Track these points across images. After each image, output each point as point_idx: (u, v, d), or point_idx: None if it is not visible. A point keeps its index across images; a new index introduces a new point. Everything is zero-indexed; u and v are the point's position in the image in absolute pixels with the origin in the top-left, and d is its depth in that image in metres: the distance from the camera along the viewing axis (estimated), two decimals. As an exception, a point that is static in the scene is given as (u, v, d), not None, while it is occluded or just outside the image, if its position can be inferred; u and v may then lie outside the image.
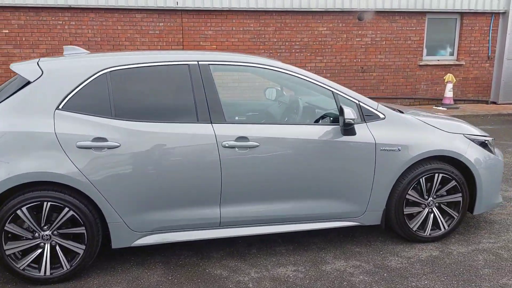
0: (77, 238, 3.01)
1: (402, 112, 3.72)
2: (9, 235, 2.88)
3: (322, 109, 3.60)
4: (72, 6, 9.45)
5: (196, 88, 3.16)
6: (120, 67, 3.10)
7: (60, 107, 2.95)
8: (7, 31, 9.41)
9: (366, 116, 3.43)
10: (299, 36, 10.69)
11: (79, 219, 2.94)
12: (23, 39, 9.51)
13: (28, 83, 2.97)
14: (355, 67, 11.12)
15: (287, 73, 3.39)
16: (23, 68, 3.04)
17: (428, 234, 3.61)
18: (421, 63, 11.35)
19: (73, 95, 2.99)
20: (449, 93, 10.95)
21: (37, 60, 3.12)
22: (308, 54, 10.79)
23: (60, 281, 2.99)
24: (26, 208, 2.84)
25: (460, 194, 3.61)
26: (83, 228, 2.96)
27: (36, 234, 2.91)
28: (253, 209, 3.26)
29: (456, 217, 3.65)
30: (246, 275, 3.12)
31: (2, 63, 9.53)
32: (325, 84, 3.42)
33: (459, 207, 3.64)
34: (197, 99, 3.14)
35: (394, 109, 3.76)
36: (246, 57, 3.52)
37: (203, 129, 3.10)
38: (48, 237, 2.94)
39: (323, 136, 3.28)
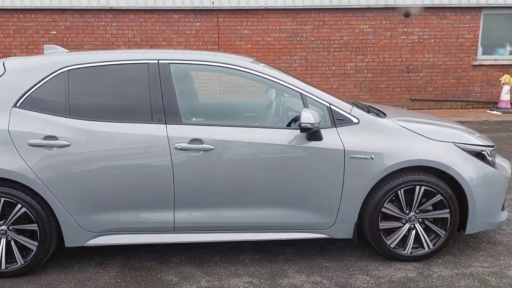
0: (32, 234, 3.05)
1: (385, 116, 3.38)
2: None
3: (297, 112, 3.36)
4: (113, 8, 9.82)
5: (153, 88, 3.08)
6: (79, 66, 3.10)
7: (18, 105, 3.01)
8: (55, 32, 10.00)
9: (337, 120, 3.15)
10: (338, 35, 10.29)
11: (31, 216, 2.98)
12: (69, 40, 10.05)
13: (-10, 80, 3.07)
14: (400, 67, 10.50)
15: (252, 74, 3.20)
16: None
17: (408, 253, 3.25)
18: (475, 63, 10.46)
19: (31, 93, 3.03)
20: (505, 96, 10.00)
21: (4, 59, 3.21)
22: (348, 53, 10.36)
23: (14, 275, 3.06)
24: (-19, 203, 2.93)
25: (447, 210, 3.20)
26: (36, 225, 3.00)
27: (-8, 228, 3.00)
28: (210, 215, 3.12)
29: (442, 235, 3.25)
30: (196, 283, 2.99)
31: (50, 62, 10.13)
32: (293, 86, 3.18)
33: (447, 225, 3.23)
34: (153, 99, 3.06)
35: (377, 112, 3.44)
36: (215, 56, 3.39)
37: (156, 130, 3.01)
38: (4, 231, 3.01)
39: (286, 141, 3.06)
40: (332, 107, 3.16)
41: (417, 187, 3.15)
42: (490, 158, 3.30)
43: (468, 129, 3.62)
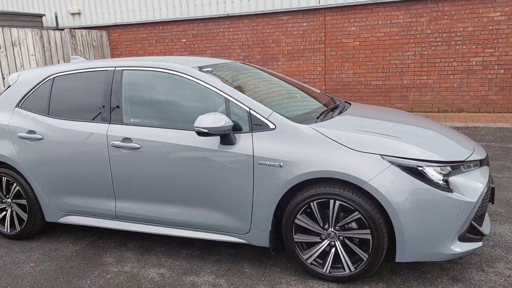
0: (24, 208, 3.87)
1: (315, 121, 3.12)
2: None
3: (237, 116, 3.36)
4: (230, 15, 10.69)
5: (106, 91, 3.54)
6: (61, 74, 3.78)
7: (19, 105, 3.86)
8: (185, 40, 11.42)
9: (254, 125, 3.07)
10: (461, 25, 9.03)
11: (23, 194, 3.80)
12: (195, 46, 11.35)
13: (9, 86, 3.99)
14: (544, 60, 8.63)
15: (184, 78, 3.35)
16: (11, 76, 4.07)
17: (327, 272, 2.96)
18: None
19: (28, 96, 3.85)
20: None
21: (21, 71, 4.12)
22: (473, 46, 8.99)
23: (14, 238, 3.93)
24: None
25: (368, 231, 2.80)
26: (25, 201, 3.80)
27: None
28: (143, 208, 3.43)
29: (365, 258, 2.85)
30: (122, 267, 3.35)
31: (181, 66, 11.62)
32: (220, 91, 3.21)
33: (369, 247, 2.83)
34: (104, 101, 3.53)
35: (315, 118, 3.19)
36: (161, 62, 3.53)
37: (100, 128, 3.47)
38: (9, 203, 3.91)
39: (202, 144, 3.15)
40: (251, 111, 3.10)
41: (331, 201, 2.85)
42: (433, 176, 2.74)
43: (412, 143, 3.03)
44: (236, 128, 3.10)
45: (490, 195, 3.10)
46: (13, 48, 9.52)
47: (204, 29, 11.11)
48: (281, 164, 2.92)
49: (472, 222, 2.91)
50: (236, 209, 3.12)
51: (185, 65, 3.42)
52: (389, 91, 9.82)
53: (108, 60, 3.76)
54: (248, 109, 3.11)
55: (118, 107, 3.47)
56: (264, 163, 2.97)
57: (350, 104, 4.01)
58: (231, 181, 3.08)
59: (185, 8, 11.08)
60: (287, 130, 3.00)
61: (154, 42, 11.76)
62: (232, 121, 3.05)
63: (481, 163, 3.09)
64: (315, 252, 2.98)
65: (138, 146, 3.31)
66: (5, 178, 3.85)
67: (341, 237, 2.91)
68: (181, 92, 3.37)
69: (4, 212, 3.95)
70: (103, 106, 3.50)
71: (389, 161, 2.76)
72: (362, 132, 2.97)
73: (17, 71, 9.65)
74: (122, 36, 12.05)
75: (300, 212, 2.95)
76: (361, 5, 9.58)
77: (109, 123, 3.47)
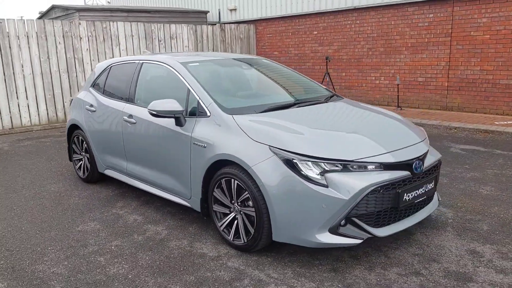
0: (89, 160, 5.37)
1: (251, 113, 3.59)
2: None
3: (192, 103, 3.88)
4: (357, 7, 10.79)
5: (133, 78, 4.67)
6: (115, 63, 5.09)
7: (92, 86, 5.35)
8: (316, 32, 11.99)
9: (199, 112, 3.75)
10: None
11: (88, 150, 5.29)
12: (324, 38, 11.81)
13: (94, 73, 5.53)
14: None
15: (170, 70, 4.20)
16: (96, 65, 5.59)
17: (231, 240, 3.47)
18: None
19: (96, 79, 5.29)
20: None
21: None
22: None
23: (86, 181, 5.50)
24: (76, 138, 5.49)
25: (253, 209, 3.23)
26: (88, 155, 5.30)
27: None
28: (138, 169, 4.47)
29: (252, 232, 3.29)
30: (119, 210, 4.47)
31: (311, 57, 12.27)
32: (186, 81, 3.97)
33: (254, 223, 3.25)
34: (131, 85, 4.66)
35: (262, 111, 3.65)
36: (163, 56, 4.47)
37: (121, 106, 4.63)
38: (83, 156, 5.49)
39: (166, 123, 3.96)
40: (199, 101, 3.79)
41: (232, 180, 3.36)
42: (304, 170, 2.99)
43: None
44: (192, 113, 3.83)
45: (399, 199, 3.10)
46: (170, 40, 11.75)
47: (333, 22, 11.46)
48: (205, 145, 3.56)
49: (354, 219, 3.03)
50: (182, 178, 3.88)
51: (175, 60, 4.27)
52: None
53: (142, 55, 4.89)
54: (198, 98, 3.81)
55: (134, 90, 4.58)
56: (196, 143, 3.65)
57: (340, 101, 4.27)
58: (178, 154, 3.85)
59: (317, 2, 11.61)
60: (216, 118, 3.60)
61: (290, 34, 12.67)
62: (192, 107, 3.77)
63: (396, 166, 3.15)
64: (225, 221, 3.53)
65: (134, 121, 4.35)
66: (80, 138, 5.42)
67: (241, 212, 3.39)
68: (167, 81, 4.24)
69: (81, 162, 5.54)
70: (130, 89, 4.64)
71: (273, 152, 3.12)
72: (270, 125, 3.35)
73: (171, 59, 11.87)
74: (266, 29, 13.31)
75: (216, 187, 3.53)
76: (495, -7, 8.53)
77: (127, 102, 4.60)
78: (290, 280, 2.99)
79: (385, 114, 3.99)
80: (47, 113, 9.78)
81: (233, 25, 13.11)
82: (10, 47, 9.12)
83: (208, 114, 3.66)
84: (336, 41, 11.51)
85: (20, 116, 9.44)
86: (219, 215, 3.60)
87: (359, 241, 3.04)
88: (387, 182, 3.06)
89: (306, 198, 2.97)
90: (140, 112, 4.32)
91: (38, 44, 9.45)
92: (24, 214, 4.40)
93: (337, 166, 3.02)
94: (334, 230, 3.01)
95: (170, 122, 3.91)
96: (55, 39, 9.69)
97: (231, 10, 14.09)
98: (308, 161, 3.01)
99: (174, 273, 3.13)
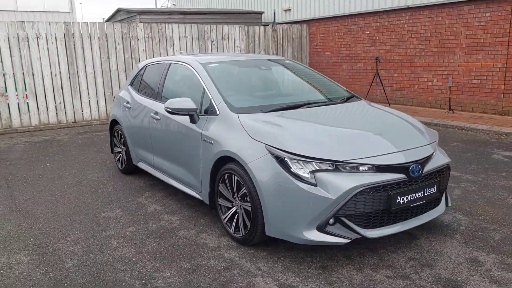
0: (125, 152, 5.80)
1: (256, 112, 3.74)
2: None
3: (207, 101, 4.12)
4: (410, 6, 10.48)
5: (162, 77, 5.00)
6: (150, 63, 5.46)
7: (130, 84, 5.77)
8: (368, 32, 11.79)
9: (210, 110, 3.96)
10: None
11: (124, 144, 5.72)
12: (376, 38, 11.58)
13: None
14: None
15: (191, 69, 4.45)
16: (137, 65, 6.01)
17: (233, 232, 3.65)
18: None
19: (134, 78, 5.71)
20: None
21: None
22: None
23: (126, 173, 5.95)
24: (116, 133, 5.96)
25: (249, 204, 3.38)
26: (124, 148, 5.72)
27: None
28: (162, 162, 4.78)
29: (249, 226, 3.44)
30: (144, 199, 4.81)
31: (362, 58, 12.08)
32: (202, 82, 4.20)
33: (250, 217, 3.40)
34: (160, 84, 4.99)
35: (268, 110, 3.80)
36: (186, 57, 4.74)
37: (150, 103, 4.96)
38: (122, 148, 5.94)
39: (183, 120, 4.21)
40: (211, 99, 4.01)
41: (233, 176, 3.54)
42: (294, 168, 3.09)
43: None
44: (206, 111, 4.06)
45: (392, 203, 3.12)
46: (222, 41, 12.14)
47: (386, 21, 11.21)
48: (212, 142, 3.77)
49: (343, 218, 3.08)
50: (195, 172, 4.12)
51: (196, 61, 4.53)
52: None
53: (171, 56, 5.21)
54: (210, 97, 4.03)
55: (161, 89, 4.90)
56: (205, 139, 3.87)
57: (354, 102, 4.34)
58: (191, 149, 4.09)
59: (370, 1, 11.41)
60: (224, 116, 3.79)
61: (342, 34, 12.55)
62: (206, 106, 3.99)
63: (390, 168, 3.16)
64: (228, 215, 3.71)
65: (159, 118, 4.67)
66: (119, 132, 5.86)
67: (241, 206, 3.56)
68: (188, 80, 4.50)
69: (119, 155, 5.99)
70: (158, 87, 4.98)
71: (268, 150, 3.26)
72: (269, 124, 3.48)
73: (223, 59, 12.25)
74: (319, 29, 13.29)
75: (220, 182, 3.73)
76: (559, -11, 7.91)
77: (155, 100, 4.94)
78: (277, 273, 3.11)
79: (397, 116, 3.95)
80: (106, 109, 10.55)
81: (285, 26, 13.23)
82: (74, 48, 9.97)
83: (218, 112, 3.86)
84: (388, 41, 11.24)
85: (82, 111, 10.28)
86: (223, 209, 3.79)
87: (346, 241, 3.09)
88: (378, 184, 3.07)
89: (294, 195, 3.07)
90: (164, 109, 4.61)
91: (99, 45, 10.23)
92: (62, 199, 4.89)
93: (330, 166, 3.09)
94: (321, 229, 3.08)
95: (186, 119, 4.16)
96: (114, 40, 10.43)
97: (285, 10, 14.22)
98: (299, 160, 3.10)
99: (173, 259, 3.37)
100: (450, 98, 9.66)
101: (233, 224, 3.64)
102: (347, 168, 3.10)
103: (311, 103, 4.11)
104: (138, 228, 4.00)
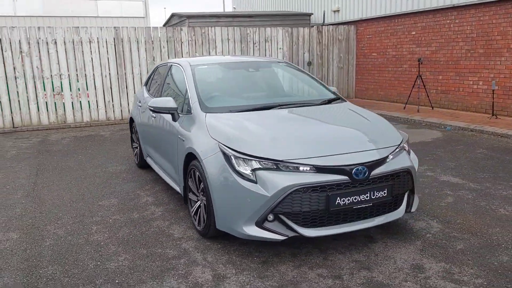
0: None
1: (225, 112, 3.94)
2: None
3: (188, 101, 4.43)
4: (456, 5, 9.98)
5: (164, 78, 5.37)
6: (160, 65, 5.85)
7: (145, 85, 6.22)
8: (414, 32, 11.38)
9: (187, 109, 4.24)
10: None
11: (136, 140, 6.18)
12: (422, 39, 11.14)
13: (151, 73, 6.41)
14: None
15: (182, 70, 4.74)
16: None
17: (197, 225, 3.88)
18: None
19: (148, 79, 6.14)
20: None
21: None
22: None
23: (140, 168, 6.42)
24: (133, 129, 6.44)
25: (205, 198, 3.59)
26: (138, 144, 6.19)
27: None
28: (159, 158, 5.12)
29: (204, 220, 3.65)
30: (142, 191, 5.20)
31: (408, 59, 11.68)
32: (186, 81, 4.47)
33: (206, 211, 3.61)
34: (160, 85, 5.36)
35: (238, 111, 3.99)
36: (181, 59, 5.04)
37: (149, 100, 5.34)
38: (136, 143, 6.42)
39: (168, 118, 4.52)
40: (189, 99, 4.27)
41: (196, 171, 3.77)
42: (238, 165, 3.25)
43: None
44: (186, 110, 4.33)
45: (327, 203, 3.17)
46: (265, 43, 12.37)
47: (432, 21, 10.76)
48: (184, 139, 4.03)
49: (281, 216, 3.19)
50: (176, 167, 4.41)
51: (187, 62, 4.81)
52: None
53: (176, 59, 5.55)
54: (189, 97, 4.30)
55: (161, 88, 5.26)
56: (179, 136, 4.15)
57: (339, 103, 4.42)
58: (172, 145, 4.38)
59: (416, 0, 11.02)
60: (195, 115, 4.04)
61: (389, 35, 12.22)
62: (186, 105, 4.28)
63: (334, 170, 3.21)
64: (194, 208, 3.95)
65: (154, 116, 5.02)
66: (135, 129, 6.33)
67: (203, 200, 3.78)
68: (179, 81, 4.80)
69: (136, 150, 6.47)
70: (160, 87, 5.35)
71: (219, 147, 3.45)
72: (226, 124, 3.66)
73: (265, 60, 12.48)
74: (366, 30, 13.04)
75: (189, 177, 3.98)
76: None
77: (154, 97, 5.31)
78: (219, 265, 3.29)
79: (365, 118, 3.94)
80: (150, 108, 11.25)
81: (330, 27, 13.15)
82: (123, 51, 10.77)
83: (192, 111, 4.11)
84: (434, 41, 10.77)
85: (128, 109, 11.06)
86: (192, 203, 4.03)
87: (283, 238, 3.18)
88: (315, 184, 3.13)
89: (236, 191, 3.23)
90: (154, 108, 4.97)
91: (145, 48, 10.94)
92: (75, 187, 5.43)
93: (273, 165, 3.21)
94: (260, 224, 3.21)
95: (170, 117, 4.46)
96: (160, 44, 11.10)
97: (334, 11, 14.12)
98: (242, 158, 3.26)
99: (134, 245, 3.68)
100: (493, 102, 9.06)
101: (198, 217, 3.86)
102: (288, 167, 3.19)
103: (284, 105, 4.21)
104: (122, 217, 4.37)
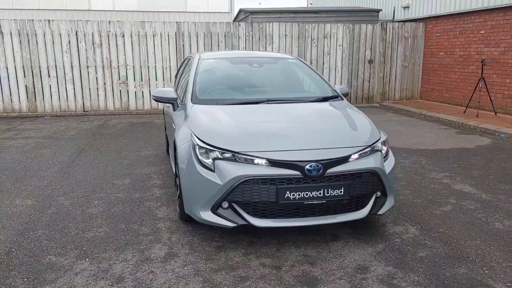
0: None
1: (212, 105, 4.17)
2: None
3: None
4: (528, 2, 9.11)
5: (183, 70, 5.73)
6: (186, 58, 6.23)
7: (175, 76, 6.64)
8: (483, 31, 10.57)
9: (182, 101, 4.54)
10: None
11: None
12: (491, 38, 10.31)
13: (182, 66, 6.82)
14: None
15: (192, 62, 5.04)
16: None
17: (178, 208, 4.17)
18: None
19: (177, 71, 6.55)
20: None
21: (191, 56, 6.81)
22: None
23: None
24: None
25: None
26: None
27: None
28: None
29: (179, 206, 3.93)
30: (151, 181, 5.62)
31: (475, 60, 10.88)
32: (191, 74, 4.77)
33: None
34: (180, 76, 5.73)
35: (227, 103, 4.20)
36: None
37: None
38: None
39: (171, 108, 4.89)
40: (186, 90, 4.56)
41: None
42: (200, 154, 3.46)
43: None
44: (184, 101, 4.63)
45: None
46: (324, 39, 12.29)
47: (502, 20, 9.93)
48: (175, 128, 4.34)
49: (234, 204, 3.35)
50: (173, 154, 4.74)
51: (199, 55, 5.11)
52: None
53: (194, 53, 5.88)
54: (187, 88, 4.59)
55: (179, 80, 5.63)
56: (172, 124, 4.47)
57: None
58: (171, 133, 4.72)
59: (486, -3, 10.24)
60: (185, 106, 4.32)
61: (457, 33, 11.47)
62: (185, 96, 4.56)
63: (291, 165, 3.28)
64: (179, 192, 4.24)
65: (168, 106, 5.40)
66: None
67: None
68: (189, 72, 5.10)
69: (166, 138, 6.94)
70: (180, 79, 5.71)
71: (192, 140, 3.69)
72: (204, 115, 3.89)
73: (323, 58, 12.41)
74: (435, 28, 12.36)
75: (176, 163, 4.28)
76: None
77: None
78: (177, 245, 3.53)
79: (342, 116, 3.92)
80: (206, 100, 11.80)
81: (396, 24, 12.65)
82: (183, 45, 11.41)
83: (185, 102, 4.40)
84: (503, 42, 9.92)
85: (186, 100, 11.71)
86: (178, 187, 4.33)
87: (233, 225, 3.34)
88: (265, 177, 3.24)
89: (196, 178, 3.45)
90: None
91: (204, 42, 11.49)
92: (102, 167, 6.02)
93: (231, 156, 3.38)
94: (214, 210, 3.40)
95: (172, 107, 4.81)
96: (218, 38, 11.57)
97: (404, 7, 13.54)
98: (204, 147, 3.47)
99: (118, 221, 4.07)
100: (561, 110, 8.16)
101: (179, 201, 4.15)
102: (244, 159, 3.34)
103: (273, 101, 4.30)
104: (124, 195, 4.80)
